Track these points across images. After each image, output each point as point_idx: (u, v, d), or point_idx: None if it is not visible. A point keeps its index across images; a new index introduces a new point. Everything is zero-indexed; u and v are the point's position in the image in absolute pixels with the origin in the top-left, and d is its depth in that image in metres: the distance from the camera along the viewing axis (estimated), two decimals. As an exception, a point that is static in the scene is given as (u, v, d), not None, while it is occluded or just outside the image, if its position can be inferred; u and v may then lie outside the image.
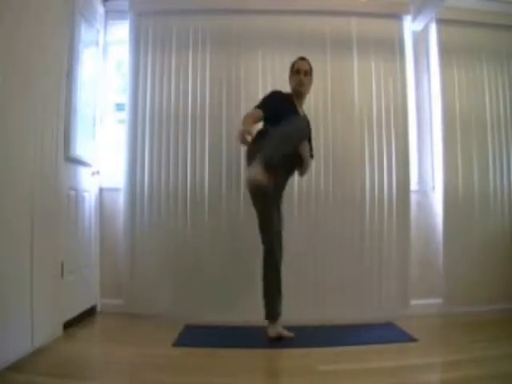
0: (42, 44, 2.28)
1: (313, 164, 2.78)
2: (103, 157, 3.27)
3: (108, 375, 2.04)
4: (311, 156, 2.63)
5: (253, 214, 2.59)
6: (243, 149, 3.02)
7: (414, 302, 3.08)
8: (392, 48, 3.22)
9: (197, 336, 2.62)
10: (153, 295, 3.01)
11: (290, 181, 2.73)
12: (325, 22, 3.19)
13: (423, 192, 3.29)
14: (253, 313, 2.62)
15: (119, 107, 3.36)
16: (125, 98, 3.18)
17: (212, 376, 1.99)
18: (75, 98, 2.72)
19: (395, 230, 3.12)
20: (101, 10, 3.19)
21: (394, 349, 2.38)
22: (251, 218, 2.63)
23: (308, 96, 2.75)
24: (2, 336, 1.91)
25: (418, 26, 3.28)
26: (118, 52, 3.34)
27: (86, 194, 2.98)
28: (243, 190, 3.03)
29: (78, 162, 2.83)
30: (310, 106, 2.98)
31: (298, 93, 2.63)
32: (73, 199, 2.76)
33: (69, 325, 2.63)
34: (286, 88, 2.70)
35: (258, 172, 2.23)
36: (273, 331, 2.47)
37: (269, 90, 3.03)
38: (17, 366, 1.95)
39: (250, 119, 2.42)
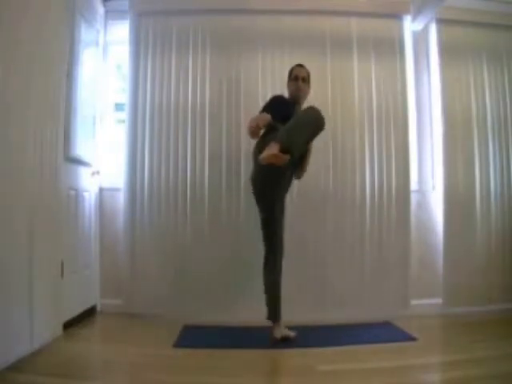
0: (42, 44, 2.28)
1: (312, 164, 2.78)
2: (103, 157, 3.27)
3: (108, 375, 2.04)
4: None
5: (253, 214, 2.59)
6: (243, 149, 3.04)
7: (413, 302, 3.08)
8: (392, 48, 3.22)
9: (197, 336, 2.61)
10: (153, 295, 3.01)
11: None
12: (325, 22, 3.19)
13: (423, 192, 3.29)
14: (252, 313, 2.63)
15: (119, 107, 3.36)
16: (124, 98, 3.18)
17: (212, 376, 1.99)
18: (75, 98, 2.72)
19: (395, 230, 3.12)
20: (101, 10, 3.19)
21: (394, 349, 2.38)
22: (251, 218, 2.63)
23: (308, 96, 2.75)
24: (2, 336, 1.91)
25: (418, 25, 3.28)
26: (118, 52, 3.33)
27: (86, 194, 2.98)
28: (243, 191, 3.03)
29: (78, 161, 2.83)
30: (310, 105, 2.98)
31: (297, 98, 2.64)
32: (73, 199, 2.76)
33: (69, 325, 2.63)
34: (286, 88, 2.70)
35: (275, 149, 2.18)
36: (278, 333, 2.44)
37: (269, 89, 3.07)
38: (17, 366, 1.95)
39: (259, 118, 2.40)
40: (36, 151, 2.22)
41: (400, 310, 3.04)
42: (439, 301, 3.13)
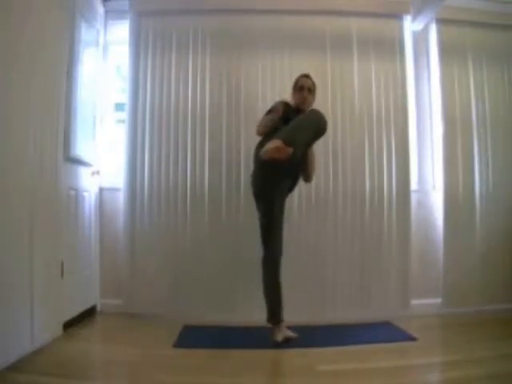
0: (42, 44, 2.28)
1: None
2: (103, 157, 3.27)
3: (108, 375, 2.04)
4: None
5: (253, 214, 2.59)
6: (243, 149, 3.04)
7: (413, 301, 3.08)
8: (392, 48, 3.22)
9: (197, 336, 2.62)
10: (152, 295, 3.01)
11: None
12: (325, 22, 3.18)
13: (423, 191, 3.29)
14: (252, 313, 2.63)
15: (119, 107, 3.36)
16: (124, 98, 3.18)
17: (212, 376, 1.99)
18: (75, 97, 2.72)
19: (395, 230, 3.12)
20: (101, 10, 3.19)
21: (394, 349, 2.38)
22: (251, 218, 2.63)
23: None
24: (3, 336, 1.91)
25: (418, 25, 3.28)
26: (118, 52, 3.33)
27: (86, 194, 2.98)
28: (243, 191, 3.03)
29: (78, 161, 2.83)
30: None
31: (302, 109, 2.59)
32: (73, 199, 2.76)
33: (69, 325, 2.63)
34: (286, 88, 2.70)
35: (278, 142, 2.18)
36: (280, 335, 2.40)
37: (269, 89, 3.07)
38: (17, 366, 1.95)
39: (268, 123, 2.41)
40: (36, 151, 2.22)
41: (400, 310, 3.04)
42: (439, 301, 3.13)
